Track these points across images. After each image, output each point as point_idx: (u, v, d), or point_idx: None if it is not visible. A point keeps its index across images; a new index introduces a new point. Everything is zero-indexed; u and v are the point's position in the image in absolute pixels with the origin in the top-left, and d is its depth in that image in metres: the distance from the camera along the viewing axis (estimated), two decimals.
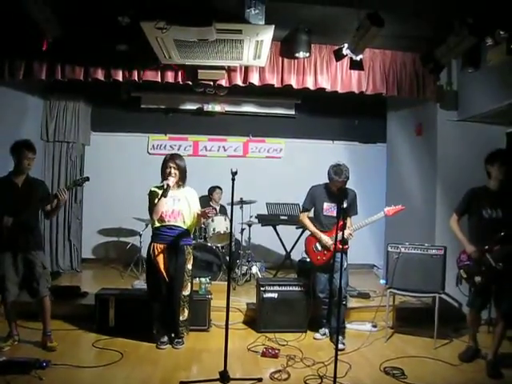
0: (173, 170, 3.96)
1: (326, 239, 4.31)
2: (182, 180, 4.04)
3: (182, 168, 4.01)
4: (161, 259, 3.96)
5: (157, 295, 4.02)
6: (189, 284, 4.10)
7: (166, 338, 4.08)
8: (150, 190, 4.06)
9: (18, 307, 3.98)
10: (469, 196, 3.95)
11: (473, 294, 3.90)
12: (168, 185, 3.89)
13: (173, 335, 4.11)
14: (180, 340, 4.10)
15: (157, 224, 4.01)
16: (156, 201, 3.94)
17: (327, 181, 4.32)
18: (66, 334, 4.24)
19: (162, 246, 3.98)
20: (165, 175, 3.98)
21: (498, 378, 3.61)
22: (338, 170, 4.20)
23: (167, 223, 3.98)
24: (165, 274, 3.95)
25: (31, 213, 3.86)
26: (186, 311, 4.10)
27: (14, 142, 3.87)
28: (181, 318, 4.06)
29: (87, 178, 4.08)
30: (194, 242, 5.85)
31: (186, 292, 4.07)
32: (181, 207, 4.01)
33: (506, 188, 3.78)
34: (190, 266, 4.09)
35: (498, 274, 3.66)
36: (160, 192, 3.94)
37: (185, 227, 4.05)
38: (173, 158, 4.02)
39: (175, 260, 3.98)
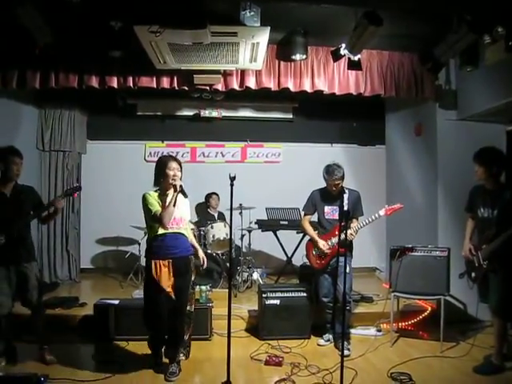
0: (177, 172, 3.50)
1: (322, 244, 4.26)
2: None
3: (182, 170, 3.60)
4: (167, 278, 3.46)
5: (159, 320, 3.56)
6: (193, 298, 3.81)
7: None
8: (149, 195, 3.53)
9: (12, 320, 3.86)
10: (470, 194, 4.03)
11: (478, 289, 3.91)
12: (181, 185, 3.43)
13: (167, 360, 3.67)
14: (174, 369, 3.59)
15: (160, 231, 3.49)
16: (167, 203, 3.43)
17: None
18: (64, 347, 4.13)
19: (166, 261, 3.47)
20: (166, 177, 3.49)
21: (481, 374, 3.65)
22: (329, 170, 4.19)
23: (170, 231, 3.51)
24: (173, 294, 3.49)
25: (22, 224, 3.74)
26: (190, 329, 3.80)
27: None
28: (185, 338, 3.76)
29: (79, 188, 4.00)
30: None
31: (192, 307, 3.75)
32: (182, 213, 3.59)
33: (503, 186, 3.76)
34: (193, 278, 3.73)
35: (486, 272, 3.71)
36: (163, 198, 3.50)
37: (187, 235, 3.69)
38: (173, 158, 3.61)
39: (183, 275, 3.54)
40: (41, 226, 5.63)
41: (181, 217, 3.60)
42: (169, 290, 3.48)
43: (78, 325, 4.58)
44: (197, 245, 3.91)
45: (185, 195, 3.51)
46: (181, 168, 3.57)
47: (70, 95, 5.87)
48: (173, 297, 3.50)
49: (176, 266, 3.51)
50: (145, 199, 3.53)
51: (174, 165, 3.51)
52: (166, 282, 3.47)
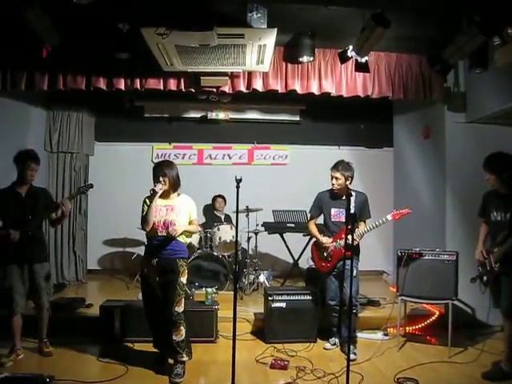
0: (161, 178, 3.67)
1: (325, 239, 4.24)
2: (172, 188, 3.75)
3: (170, 175, 3.69)
4: (153, 275, 3.70)
5: (151, 314, 3.80)
6: (182, 300, 3.74)
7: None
8: (143, 199, 3.81)
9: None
10: (483, 199, 3.98)
11: (490, 294, 3.83)
12: (154, 190, 3.63)
13: (172, 361, 3.74)
14: (179, 370, 3.64)
15: (149, 234, 3.75)
16: (145, 209, 3.70)
17: None
18: (70, 348, 4.15)
19: (153, 261, 3.69)
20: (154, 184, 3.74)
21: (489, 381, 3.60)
22: (334, 164, 4.18)
23: (159, 234, 3.70)
24: (158, 290, 3.71)
25: (36, 223, 3.86)
26: (183, 330, 3.68)
27: (18, 152, 3.87)
28: (175, 339, 3.65)
29: (91, 185, 4.06)
30: (199, 251, 5.82)
31: (180, 309, 3.69)
32: (174, 217, 3.70)
33: None
34: (184, 280, 3.75)
35: (497, 275, 3.66)
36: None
37: (179, 238, 3.74)
38: (160, 165, 3.76)
39: (167, 274, 3.67)
40: (48, 227, 5.69)
41: (171, 221, 3.70)
42: (155, 288, 3.71)
43: (84, 326, 4.58)
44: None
45: (151, 200, 3.66)
46: (165, 174, 3.68)
47: (77, 97, 5.91)
48: (159, 295, 3.71)
49: (161, 266, 3.69)
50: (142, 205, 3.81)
51: (156, 171, 3.72)
52: (153, 280, 3.71)
